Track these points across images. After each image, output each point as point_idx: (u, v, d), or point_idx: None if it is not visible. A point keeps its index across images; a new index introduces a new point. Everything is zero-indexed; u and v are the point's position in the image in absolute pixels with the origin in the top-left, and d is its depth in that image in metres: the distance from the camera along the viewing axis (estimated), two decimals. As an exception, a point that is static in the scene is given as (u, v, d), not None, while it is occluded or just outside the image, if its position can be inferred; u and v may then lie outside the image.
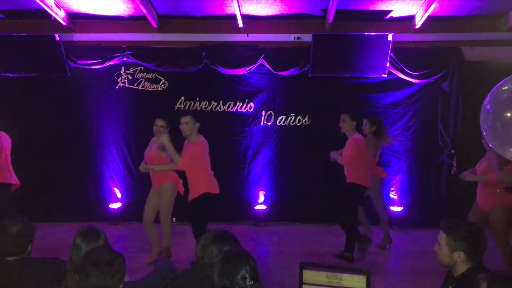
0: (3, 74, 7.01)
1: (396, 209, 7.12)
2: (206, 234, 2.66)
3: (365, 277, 2.72)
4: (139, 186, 7.16)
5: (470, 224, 2.60)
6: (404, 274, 5.09)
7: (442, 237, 2.53)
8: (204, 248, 2.56)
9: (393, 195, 7.22)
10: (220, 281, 2.03)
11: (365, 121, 5.91)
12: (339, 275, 2.77)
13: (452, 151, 7.06)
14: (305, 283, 2.81)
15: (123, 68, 7.26)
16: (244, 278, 2.02)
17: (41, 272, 2.62)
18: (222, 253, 2.22)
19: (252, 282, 2.03)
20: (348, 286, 2.75)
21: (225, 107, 7.30)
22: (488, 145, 4.17)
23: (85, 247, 2.50)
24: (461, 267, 2.48)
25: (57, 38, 6.68)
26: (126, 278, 2.37)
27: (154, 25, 6.89)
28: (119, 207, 7.28)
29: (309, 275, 2.82)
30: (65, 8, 6.73)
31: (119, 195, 7.37)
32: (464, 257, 2.46)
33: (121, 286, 2.25)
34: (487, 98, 3.23)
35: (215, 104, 7.29)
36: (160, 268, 2.77)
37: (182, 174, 5.21)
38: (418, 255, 5.59)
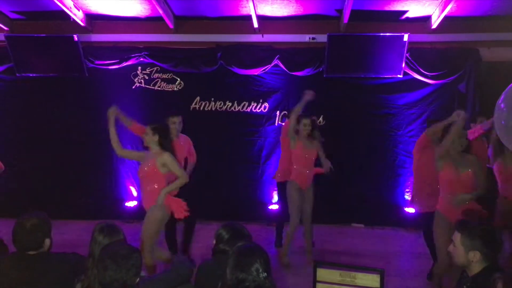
0: (23, 74, 7.16)
1: (411, 210, 7.06)
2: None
3: (379, 276, 2.73)
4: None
5: (485, 224, 2.59)
6: (418, 274, 5.06)
7: (457, 236, 2.52)
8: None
9: (407, 196, 7.16)
10: (233, 274, 2.12)
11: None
12: (353, 273, 2.78)
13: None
14: (319, 281, 2.83)
15: (139, 68, 7.34)
16: (258, 270, 2.11)
17: (60, 266, 2.66)
18: (236, 248, 2.28)
19: (266, 274, 2.13)
20: (362, 285, 2.76)
21: (240, 107, 7.33)
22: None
23: (105, 242, 2.54)
24: (476, 267, 2.47)
25: (76, 38, 6.80)
26: (142, 274, 2.41)
27: (171, 25, 6.96)
28: (135, 206, 7.36)
29: (323, 273, 2.84)
30: (83, 9, 6.83)
31: (135, 193, 7.45)
32: (479, 256, 2.45)
33: (138, 280, 2.29)
34: (501, 97, 3.23)
35: (230, 104, 7.33)
36: (177, 265, 2.81)
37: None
38: (431, 256, 5.54)
